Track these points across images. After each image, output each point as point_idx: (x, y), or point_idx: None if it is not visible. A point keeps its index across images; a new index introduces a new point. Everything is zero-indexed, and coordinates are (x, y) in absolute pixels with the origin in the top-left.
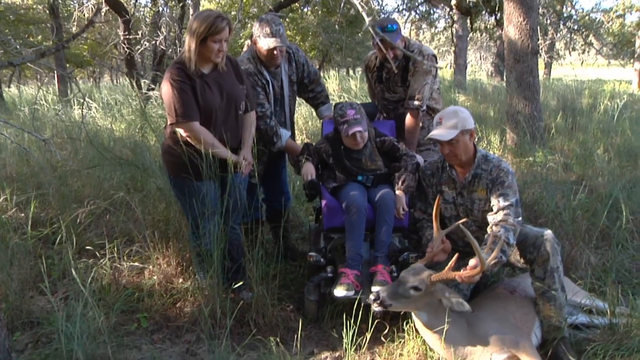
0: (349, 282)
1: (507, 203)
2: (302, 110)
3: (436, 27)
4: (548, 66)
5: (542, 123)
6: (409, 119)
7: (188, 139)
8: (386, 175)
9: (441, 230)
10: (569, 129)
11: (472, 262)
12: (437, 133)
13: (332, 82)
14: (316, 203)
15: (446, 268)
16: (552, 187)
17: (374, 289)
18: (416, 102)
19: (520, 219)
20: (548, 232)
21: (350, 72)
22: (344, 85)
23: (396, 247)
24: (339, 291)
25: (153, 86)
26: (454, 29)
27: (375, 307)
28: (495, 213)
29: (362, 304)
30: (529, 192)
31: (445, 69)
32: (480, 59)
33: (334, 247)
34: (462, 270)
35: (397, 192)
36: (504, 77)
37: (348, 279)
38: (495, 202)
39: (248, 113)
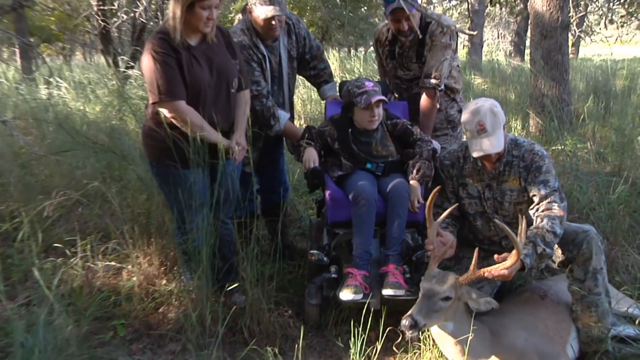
0: (356, 284)
1: (549, 190)
2: (300, 92)
3: (449, 1)
4: (575, 44)
5: (571, 107)
6: (424, 99)
7: (173, 120)
8: (399, 163)
9: (434, 221)
10: (602, 114)
11: (502, 255)
12: (487, 147)
13: (332, 62)
14: (318, 194)
15: (472, 266)
16: (584, 179)
17: (386, 292)
18: (433, 81)
19: (565, 203)
20: (590, 228)
21: (353, 51)
22: (346, 66)
23: (409, 244)
24: (345, 294)
25: (132, 64)
26: (469, 3)
27: (411, 334)
28: (538, 204)
29: (372, 309)
30: None
31: (458, 48)
32: (498, 37)
33: (338, 244)
34: (493, 266)
35: (412, 182)
36: (525, 58)
37: (355, 281)
38: (536, 192)
39: (241, 92)
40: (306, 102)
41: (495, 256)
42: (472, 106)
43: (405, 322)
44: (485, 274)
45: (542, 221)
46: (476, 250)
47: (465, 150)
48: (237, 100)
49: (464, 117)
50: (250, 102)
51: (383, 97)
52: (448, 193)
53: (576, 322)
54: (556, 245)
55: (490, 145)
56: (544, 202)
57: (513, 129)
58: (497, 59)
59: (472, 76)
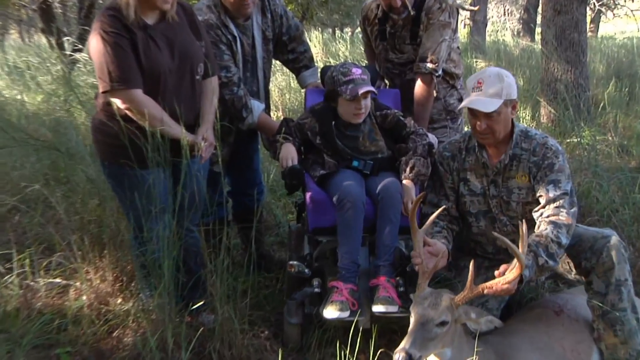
0: (342, 300)
1: (558, 192)
2: (277, 79)
3: None
4: (595, 20)
5: (588, 93)
6: (419, 86)
7: (127, 112)
8: (390, 160)
9: (419, 229)
10: (625, 101)
11: (504, 267)
12: (474, 101)
13: (314, 45)
14: (298, 197)
15: (468, 283)
16: (604, 176)
17: (376, 309)
18: (429, 65)
19: (575, 209)
20: (611, 233)
21: (338, 32)
22: (330, 49)
23: (403, 253)
24: (330, 312)
25: (80, 45)
26: None
27: None
28: (544, 207)
29: (360, 329)
30: (574, 182)
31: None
32: (505, 14)
33: (322, 254)
34: (493, 281)
35: (405, 181)
36: (536, 37)
37: (341, 296)
38: (543, 193)
39: (208, 79)
40: (284, 91)
41: (496, 272)
42: (481, 70)
43: (397, 357)
44: (485, 291)
45: (546, 228)
46: (472, 262)
47: (469, 140)
48: (203, 88)
49: (469, 78)
50: (218, 91)
51: (372, 89)
52: (447, 189)
53: (598, 342)
54: (571, 254)
55: (478, 102)
56: (551, 206)
57: (521, 119)
58: (503, 39)
59: (474, 59)
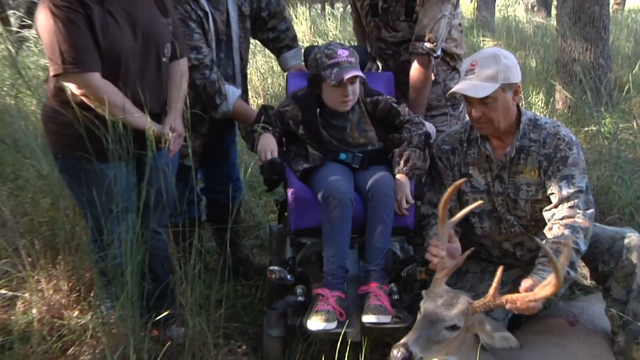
0: (328, 309)
1: (573, 189)
2: (257, 62)
3: None
4: None
5: (610, 75)
6: (415, 69)
7: (84, 98)
8: (381, 153)
9: (448, 220)
10: None
11: (527, 282)
12: (464, 86)
13: (300, 23)
14: (280, 194)
15: (492, 289)
16: (627, 169)
17: (367, 319)
18: (427, 45)
19: (592, 210)
20: (633, 233)
21: (328, 8)
22: (318, 28)
23: (397, 256)
24: (315, 323)
25: (29, 21)
26: None
27: None
28: (556, 206)
29: (349, 341)
30: (593, 175)
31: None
32: None
33: (306, 258)
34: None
35: (398, 176)
36: (552, 12)
37: (327, 305)
38: (556, 190)
39: (176, 61)
40: (266, 75)
41: (522, 286)
42: (478, 51)
43: (397, 353)
44: (508, 305)
45: (562, 233)
46: (500, 269)
47: (470, 131)
48: (170, 72)
49: (465, 59)
50: (188, 75)
51: (359, 73)
52: (447, 186)
53: (619, 356)
54: (587, 257)
55: (467, 86)
56: (565, 206)
57: (533, 106)
58: (515, 15)
59: (481, 38)
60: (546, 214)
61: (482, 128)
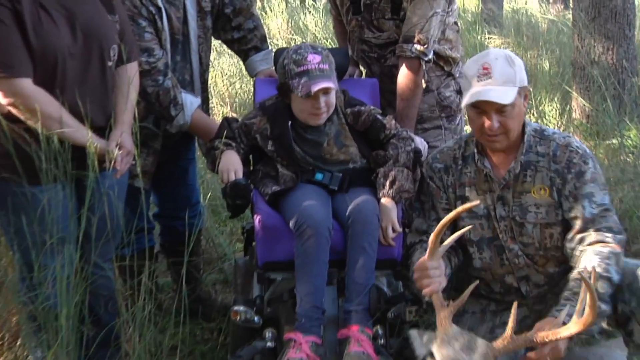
0: (301, 357)
1: (596, 210)
2: (223, 64)
3: None
4: None
5: (635, 79)
6: (404, 75)
7: (11, 108)
8: (364, 172)
9: (439, 246)
10: None
11: (548, 323)
12: (485, 91)
13: (276, 16)
14: (248, 219)
15: (509, 329)
16: None
17: None
18: (417, 47)
19: (622, 236)
20: None
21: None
22: (295, 23)
23: (383, 294)
24: None
25: None
26: None
27: None
28: (581, 231)
29: None
30: (614, 197)
31: None
32: None
33: (276, 297)
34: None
35: (383, 200)
36: (570, 5)
37: (300, 352)
38: (578, 212)
39: (124, 65)
40: (233, 78)
41: (536, 329)
42: (479, 53)
43: None
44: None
45: (592, 257)
46: (514, 305)
47: (465, 147)
48: (117, 78)
49: (466, 64)
50: (138, 82)
51: (331, 85)
52: (439, 211)
53: None
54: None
55: (492, 92)
56: (591, 231)
57: (547, 115)
58: (527, 9)
59: (486, 35)
60: (570, 244)
61: (494, 142)
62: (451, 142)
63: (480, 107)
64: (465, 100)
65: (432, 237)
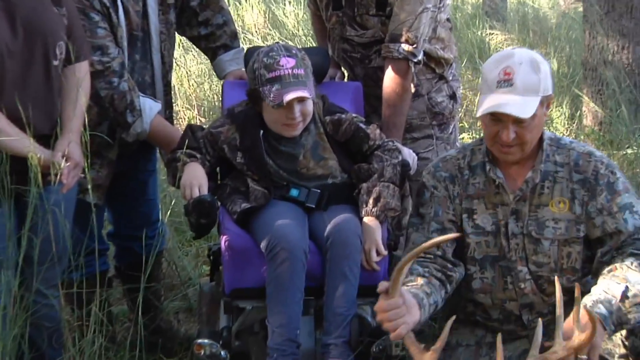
0: None
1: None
2: (189, 62)
3: None
4: None
5: None
6: (390, 78)
7: None
8: (345, 188)
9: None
10: None
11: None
12: (506, 102)
13: (251, 7)
14: (215, 240)
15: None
16: None
17: None
18: (405, 47)
19: None
20: None
21: None
22: (276, 16)
23: (366, 325)
24: None
25: None
26: None
27: None
28: (619, 248)
29: None
30: None
31: None
32: None
33: (245, 329)
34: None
35: (366, 219)
36: None
37: None
38: (618, 225)
39: (72, 65)
40: (201, 78)
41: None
42: (503, 52)
43: None
44: None
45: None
46: (499, 338)
47: (471, 156)
48: (64, 80)
49: (487, 63)
50: (89, 84)
51: (306, 94)
52: (445, 222)
53: None
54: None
55: (513, 103)
56: (628, 250)
57: (554, 120)
58: (534, 1)
59: (488, 30)
60: (606, 270)
61: (508, 154)
62: (453, 151)
63: (496, 115)
64: (482, 108)
65: (394, 272)
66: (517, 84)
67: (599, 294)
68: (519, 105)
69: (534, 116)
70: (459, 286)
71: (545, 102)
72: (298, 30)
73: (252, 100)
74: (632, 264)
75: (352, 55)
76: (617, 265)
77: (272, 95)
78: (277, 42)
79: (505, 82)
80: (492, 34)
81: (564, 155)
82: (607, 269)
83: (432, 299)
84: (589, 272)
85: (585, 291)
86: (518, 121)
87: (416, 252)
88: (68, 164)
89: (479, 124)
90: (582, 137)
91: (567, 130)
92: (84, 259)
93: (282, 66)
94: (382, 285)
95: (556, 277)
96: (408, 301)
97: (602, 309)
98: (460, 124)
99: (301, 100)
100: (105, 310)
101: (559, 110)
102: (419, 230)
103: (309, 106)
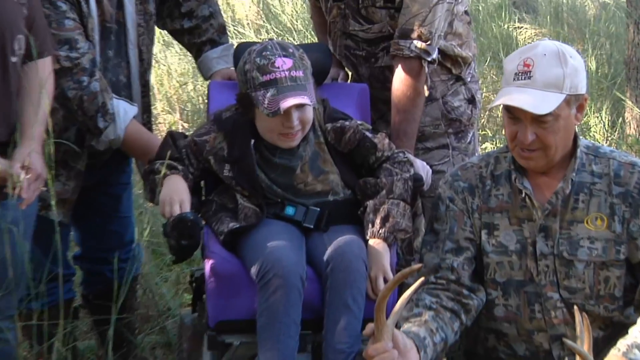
0: None
1: None
2: (171, 58)
3: None
4: None
5: None
6: (401, 80)
7: None
8: (348, 206)
9: (386, 322)
10: None
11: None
12: (517, 95)
13: (241, 1)
14: (197, 265)
15: None
16: None
17: None
18: (417, 44)
19: None
20: None
21: None
22: (269, 8)
23: None
24: None
25: None
26: None
27: None
28: None
29: None
30: None
31: None
32: None
33: None
34: None
35: (372, 242)
36: None
37: None
38: None
39: (34, 62)
40: (185, 77)
41: None
42: (531, 44)
43: None
44: None
45: None
46: None
47: (495, 164)
48: (24, 79)
49: (510, 55)
50: (54, 84)
51: (306, 100)
52: (461, 240)
53: None
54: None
55: (525, 97)
56: None
57: (591, 129)
58: None
59: (516, 23)
60: None
61: (529, 159)
62: (475, 158)
63: (514, 113)
64: (497, 100)
65: (375, 312)
66: (536, 76)
67: (636, 336)
68: (535, 99)
69: (558, 117)
70: (481, 313)
71: (575, 103)
72: (296, 23)
73: (242, 105)
74: None
75: (356, 53)
76: None
77: (266, 102)
78: (272, 39)
79: (523, 74)
80: (521, 27)
81: (603, 165)
82: None
83: (439, 337)
84: (631, 302)
85: (629, 323)
86: (537, 121)
87: (386, 294)
88: (28, 175)
89: (504, 131)
90: (624, 147)
91: (606, 139)
92: (46, 286)
93: (278, 68)
94: (368, 327)
95: (575, 308)
96: (402, 344)
97: (638, 356)
98: (483, 132)
99: (300, 106)
100: (70, 345)
101: (598, 117)
102: (432, 250)
103: (309, 113)
